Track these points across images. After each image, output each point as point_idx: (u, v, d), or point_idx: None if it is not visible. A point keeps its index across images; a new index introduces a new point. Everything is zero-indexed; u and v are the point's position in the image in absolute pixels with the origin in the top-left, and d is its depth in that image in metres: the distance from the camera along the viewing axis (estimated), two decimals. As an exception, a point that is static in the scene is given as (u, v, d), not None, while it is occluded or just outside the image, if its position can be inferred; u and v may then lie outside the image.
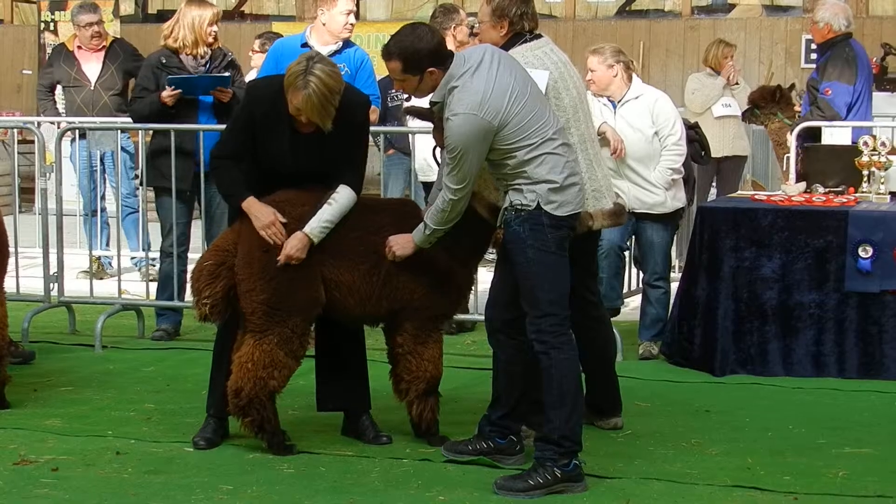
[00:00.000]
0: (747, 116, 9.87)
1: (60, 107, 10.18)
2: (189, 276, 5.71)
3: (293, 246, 5.32)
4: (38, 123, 9.68)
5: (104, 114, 9.60)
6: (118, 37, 10.77)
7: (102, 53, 9.78)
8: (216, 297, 5.36)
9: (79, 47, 9.82)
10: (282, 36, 10.31)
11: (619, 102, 7.29)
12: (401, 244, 5.37)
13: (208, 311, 5.38)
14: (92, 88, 9.73)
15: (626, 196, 7.05)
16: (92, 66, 9.79)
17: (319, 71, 5.24)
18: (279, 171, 5.47)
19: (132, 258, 9.96)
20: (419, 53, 5.07)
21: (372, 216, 5.51)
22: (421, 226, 5.30)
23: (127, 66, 9.68)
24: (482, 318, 7.35)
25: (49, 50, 15.00)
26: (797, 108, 9.74)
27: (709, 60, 10.53)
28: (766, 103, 9.60)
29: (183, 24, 7.68)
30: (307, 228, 5.34)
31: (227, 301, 5.38)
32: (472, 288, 5.79)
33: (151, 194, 8.46)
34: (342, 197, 5.42)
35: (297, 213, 5.37)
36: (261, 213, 5.35)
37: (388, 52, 5.13)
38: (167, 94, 7.54)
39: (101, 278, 9.49)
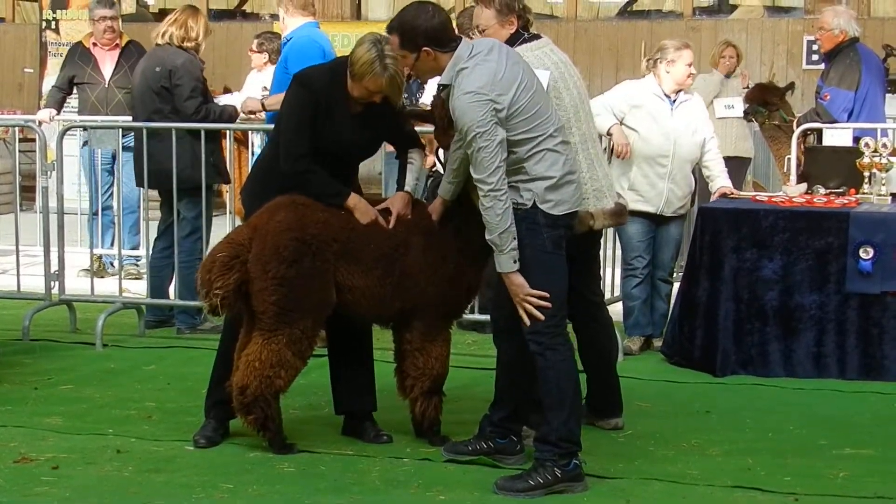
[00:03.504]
0: (752, 114, 9.87)
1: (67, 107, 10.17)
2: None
3: (403, 205, 5.48)
4: (40, 122, 9.67)
5: (118, 111, 9.60)
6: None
7: (117, 53, 9.79)
8: (228, 288, 5.31)
9: (94, 44, 9.84)
10: (280, 35, 10.38)
11: (675, 101, 7.40)
12: (516, 286, 4.99)
13: (219, 303, 5.35)
14: (106, 86, 9.74)
15: (663, 199, 7.29)
16: (107, 64, 9.80)
17: (391, 52, 5.29)
18: (335, 152, 5.53)
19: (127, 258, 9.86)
20: (415, 31, 5.05)
21: (381, 218, 5.50)
22: (495, 254, 5.01)
23: None
24: (482, 316, 7.39)
25: (50, 48, 15.02)
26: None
27: (711, 60, 10.65)
28: (778, 99, 9.61)
29: (202, 32, 7.93)
30: (407, 187, 5.56)
31: (237, 295, 5.36)
32: (481, 287, 5.77)
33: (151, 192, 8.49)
34: (417, 157, 5.64)
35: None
36: (362, 207, 5.45)
37: (389, 27, 5.16)
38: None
39: (102, 277, 9.49)
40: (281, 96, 7.68)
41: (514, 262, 4.96)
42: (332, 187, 5.48)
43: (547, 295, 4.99)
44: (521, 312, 5.01)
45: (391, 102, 5.47)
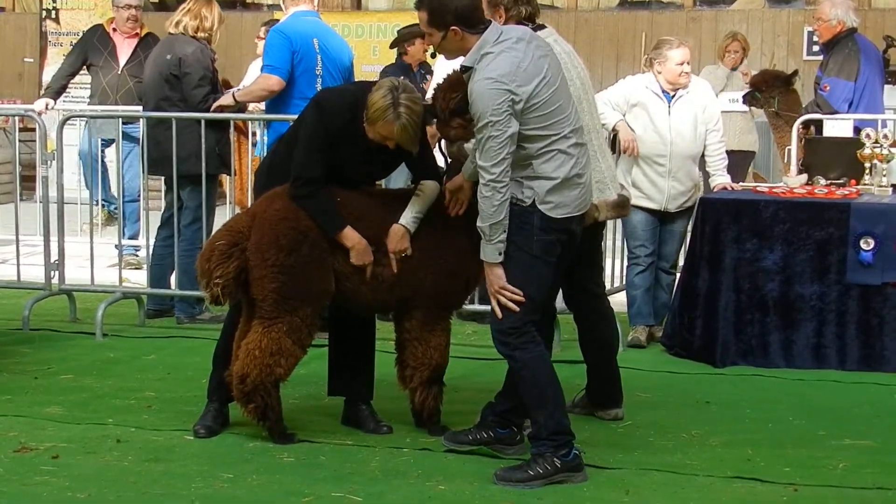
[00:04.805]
0: (748, 100, 9.86)
1: (62, 100, 10.17)
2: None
3: (396, 241, 5.37)
4: (40, 112, 9.67)
5: (128, 99, 9.60)
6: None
7: (135, 42, 9.79)
8: (228, 277, 5.32)
9: (114, 30, 9.83)
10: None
11: (673, 97, 7.35)
12: (493, 275, 5.00)
13: (219, 292, 5.35)
14: (119, 73, 9.74)
15: (665, 197, 7.30)
16: (124, 50, 9.79)
17: (406, 100, 5.23)
18: (347, 175, 5.48)
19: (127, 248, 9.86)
20: (445, 8, 4.96)
21: (383, 209, 5.49)
22: (482, 242, 5.00)
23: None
24: (482, 307, 7.39)
25: (51, 38, 15.01)
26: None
27: (717, 52, 10.65)
28: (767, 87, 9.59)
29: (216, 22, 7.90)
30: (403, 220, 5.39)
31: (238, 283, 5.35)
32: (481, 278, 5.76)
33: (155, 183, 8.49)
34: (428, 188, 5.48)
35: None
36: (361, 248, 5.36)
37: (418, 1, 5.07)
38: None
39: (109, 224, 9.56)
40: (252, 88, 7.75)
41: (499, 254, 4.96)
42: (332, 218, 5.38)
43: (521, 293, 4.96)
44: (494, 304, 5.01)
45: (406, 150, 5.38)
